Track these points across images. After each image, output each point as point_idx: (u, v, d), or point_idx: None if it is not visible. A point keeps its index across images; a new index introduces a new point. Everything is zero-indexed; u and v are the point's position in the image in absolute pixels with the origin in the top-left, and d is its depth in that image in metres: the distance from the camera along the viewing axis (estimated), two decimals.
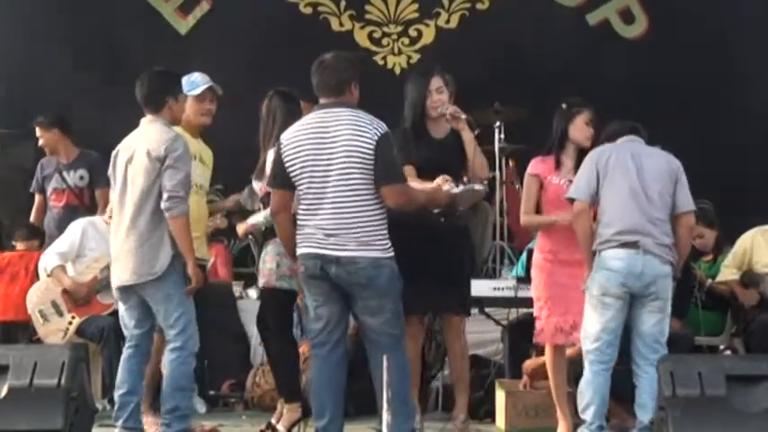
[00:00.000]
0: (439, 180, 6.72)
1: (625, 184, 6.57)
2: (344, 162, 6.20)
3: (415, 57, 10.54)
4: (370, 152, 6.18)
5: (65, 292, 8.25)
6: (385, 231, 6.27)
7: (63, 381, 5.89)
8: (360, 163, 6.19)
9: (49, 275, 8.35)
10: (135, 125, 6.89)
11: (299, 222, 6.35)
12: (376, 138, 6.20)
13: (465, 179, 6.95)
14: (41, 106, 9.56)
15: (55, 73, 10.49)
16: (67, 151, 9.25)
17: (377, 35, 10.54)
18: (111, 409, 7.35)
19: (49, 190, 9.25)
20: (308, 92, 6.75)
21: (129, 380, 6.73)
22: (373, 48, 10.53)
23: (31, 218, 9.34)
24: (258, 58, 10.14)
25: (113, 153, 6.85)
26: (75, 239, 8.38)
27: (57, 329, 8.19)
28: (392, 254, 6.27)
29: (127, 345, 6.80)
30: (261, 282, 7.20)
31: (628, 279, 6.51)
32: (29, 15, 10.50)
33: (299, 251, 6.32)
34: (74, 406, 5.94)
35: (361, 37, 10.54)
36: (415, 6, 10.56)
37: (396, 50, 10.53)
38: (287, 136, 6.39)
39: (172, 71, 7.06)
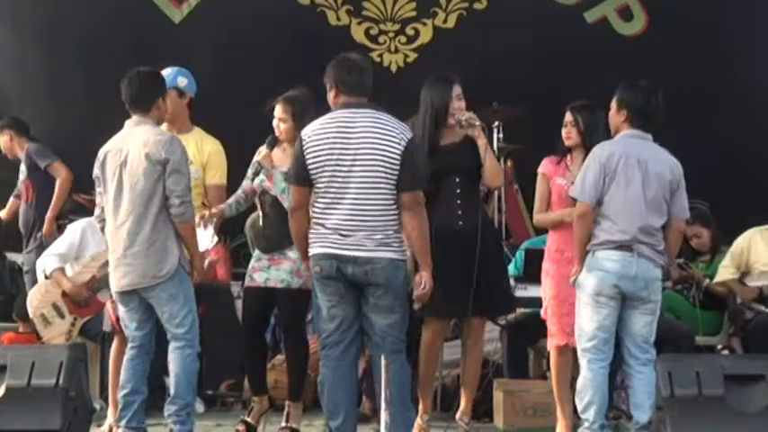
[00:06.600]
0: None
1: (630, 190, 6.54)
2: (369, 163, 6.18)
3: (413, 56, 10.50)
4: (397, 158, 6.17)
5: (64, 293, 8.20)
6: (401, 233, 6.27)
7: (61, 381, 5.90)
8: (384, 166, 6.18)
9: (47, 278, 8.30)
10: (126, 117, 6.77)
11: (313, 221, 6.30)
12: (404, 143, 6.19)
13: (482, 185, 7.14)
14: (24, 103, 9.51)
15: (39, 65, 10.41)
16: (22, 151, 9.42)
17: (374, 32, 10.49)
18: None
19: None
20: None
21: (132, 380, 6.71)
22: (370, 44, 10.48)
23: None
24: (254, 49, 10.03)
25: (100, 155, 6.73)
26: (73, 241, 8.32)
27: (60, 333, 8.12)
28: (406, 256, 6.30)
29: (129, 346, 6.77)
30: (297, 283, 7.06)
31: (621, 281, 6.52)
32: (12, 6, 10.41)
33: (314, 251, 6.28)
34: (72, 406, 5.95)
35: (357, 33, 10.48)
36: (413, 5, 10.51)
37: (392, 48, 10.48)
38: (309, 131, 6.32)
39: (158, 71, 7.00)
